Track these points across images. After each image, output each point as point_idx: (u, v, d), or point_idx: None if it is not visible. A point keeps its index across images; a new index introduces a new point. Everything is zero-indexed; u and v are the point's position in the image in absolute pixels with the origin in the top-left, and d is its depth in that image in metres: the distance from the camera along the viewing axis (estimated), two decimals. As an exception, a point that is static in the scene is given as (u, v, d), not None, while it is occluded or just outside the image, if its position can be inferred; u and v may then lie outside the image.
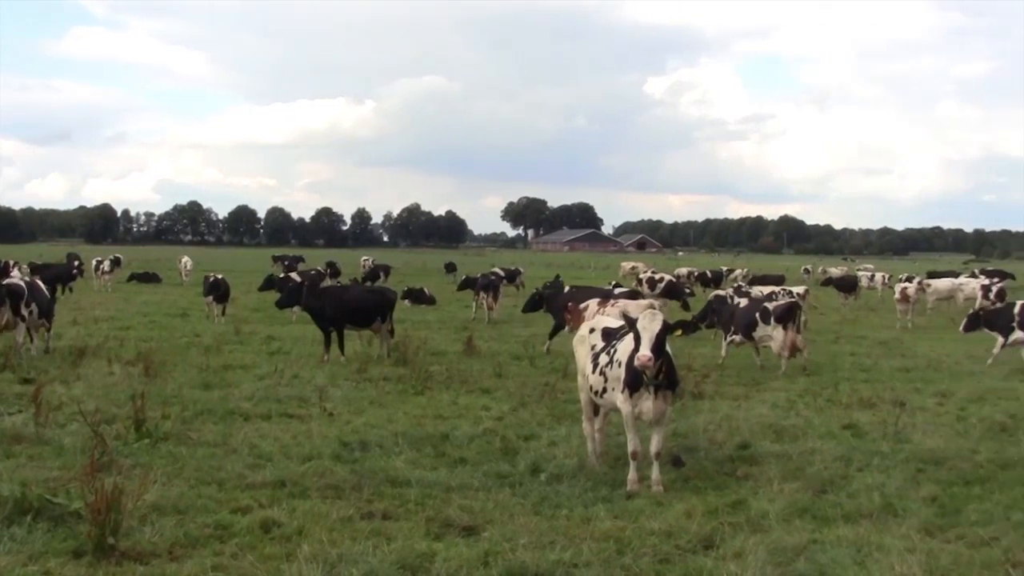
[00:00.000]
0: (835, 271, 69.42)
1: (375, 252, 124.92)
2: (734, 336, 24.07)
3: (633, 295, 27.52)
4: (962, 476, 12.77)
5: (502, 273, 48.63)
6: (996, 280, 47.03)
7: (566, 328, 24.49)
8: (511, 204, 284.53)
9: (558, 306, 26.40)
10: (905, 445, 14.45)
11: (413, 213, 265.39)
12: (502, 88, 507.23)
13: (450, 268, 69.00)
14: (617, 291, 28.79)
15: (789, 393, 19.47)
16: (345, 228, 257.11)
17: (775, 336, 22.69)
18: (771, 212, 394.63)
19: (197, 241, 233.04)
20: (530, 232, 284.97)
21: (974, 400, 18.97)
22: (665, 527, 10.35)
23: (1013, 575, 9.12)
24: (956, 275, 55.16)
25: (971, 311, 26.77)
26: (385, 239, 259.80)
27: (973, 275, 57.56)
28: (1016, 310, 24.74)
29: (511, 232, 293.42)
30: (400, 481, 12.04)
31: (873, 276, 58.41)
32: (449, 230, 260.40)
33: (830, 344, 29.33)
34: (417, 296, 41.32)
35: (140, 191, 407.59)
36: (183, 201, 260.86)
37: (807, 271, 77.12)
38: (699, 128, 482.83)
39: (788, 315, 22.70)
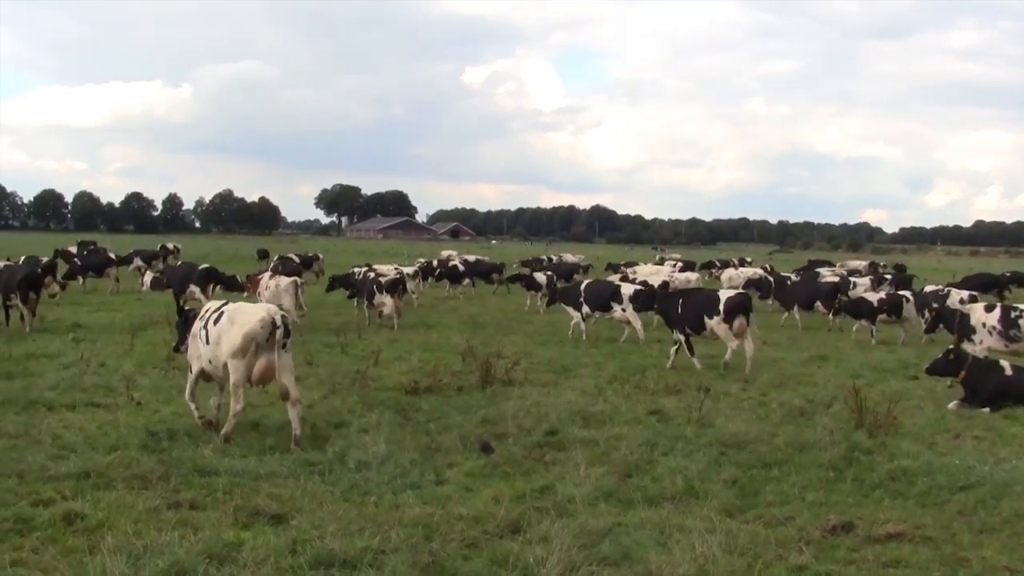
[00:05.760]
0: (570, 257, 70.12)
1: (185, 239, 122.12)
2: (364, 302, 30.95)
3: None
4: (761, 459, 13.16)
5: (297, 259, 48.74)
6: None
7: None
8: (325, 191, 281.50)
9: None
10: (708, 430, 14.82)
11: (226, 199, 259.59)
12: (318, 75, 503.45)
13: (262, 255, 68.06)
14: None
15: (598, 380, 19.77)
16: (156, 214, 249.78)
17: (386, 302, 29.37)
18: (583, 202, 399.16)
19: (0, 226, 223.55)
20: (344, 219, 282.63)
21: (774, 386, 19.56)
22: (473, 512, 10.46)
23: (806, 552, 9.46)
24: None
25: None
26: (197, 225, 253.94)
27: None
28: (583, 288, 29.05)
29: (325, 219, 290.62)
30: (208, 470, 11.90)
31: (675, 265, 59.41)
32: (262, 217, 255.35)
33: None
34: (229, 283, 40.82)
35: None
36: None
37: (549, 259, 76.13)
38: (515, 118, 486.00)
39: (394, 288, 29.87)
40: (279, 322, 13.68)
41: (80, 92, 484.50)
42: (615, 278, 36.72)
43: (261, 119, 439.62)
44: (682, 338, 22.33)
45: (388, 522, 9.99)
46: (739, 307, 21.78)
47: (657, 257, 79.07)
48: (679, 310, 22.57)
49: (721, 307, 21.72)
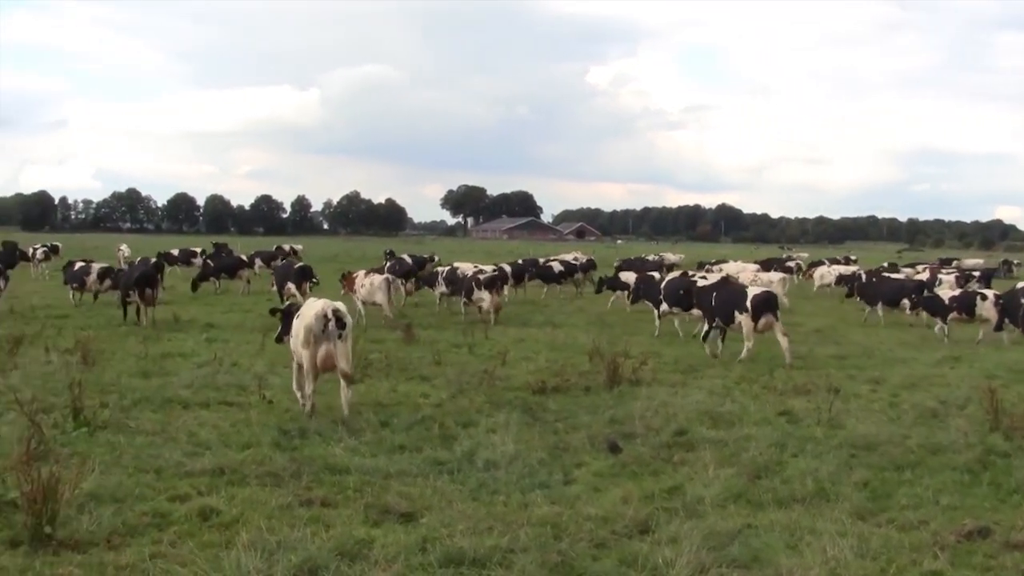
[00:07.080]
0: (671, 256, 69.48)
1: (314, 240, 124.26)
2: (462, 298, 32.24)
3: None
4: (893, 461, 12.93)
5: (409, 260, 49.16)
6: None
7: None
8: (451, 192, 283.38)
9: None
10: (838, 431, 14.64)
11: (353, 201, 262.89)
12: (444, 76, 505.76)
13: (389, 255, 68.75)
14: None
15: (725, 380, 19.63)
16: (285, 216, 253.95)
17: (484, 298, 30.64)
18: (709, 201, 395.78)
19: (136, 229, 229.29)
20: (469, 220, 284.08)
21: (906, 387, 19.22)
22: (602, 512, 10.46)
23: (941, 557, 9.29)
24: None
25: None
26: (325, 227, 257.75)
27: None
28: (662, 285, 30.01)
29: (451, 220, 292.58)
30: (339, 468, 12.08)
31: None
32: (389, 218, 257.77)
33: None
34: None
35: (79, 178, 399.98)
36: (122, 188, 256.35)
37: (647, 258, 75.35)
38: (640, 118, 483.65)
39: (493, 284, 31.14)
40: (330, 315, 15.09)
41: (211, 97, 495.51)
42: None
43: (387, 121, 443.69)
44: (713, 329, 24.28)
45: (517, 521, 10.03)
46: (764, 304, 22.84)
47: (784, 255, 78.30)
48: (712, 303, 24.24)
49: (748, 304, 22.87)
